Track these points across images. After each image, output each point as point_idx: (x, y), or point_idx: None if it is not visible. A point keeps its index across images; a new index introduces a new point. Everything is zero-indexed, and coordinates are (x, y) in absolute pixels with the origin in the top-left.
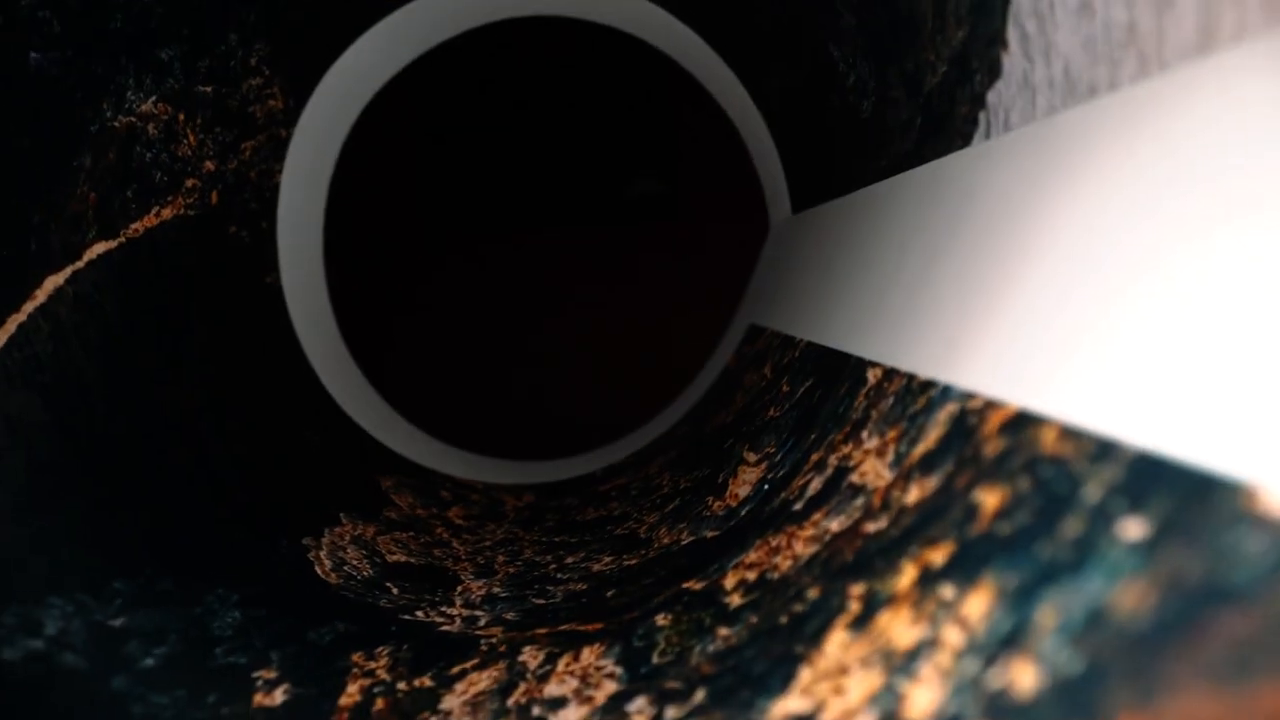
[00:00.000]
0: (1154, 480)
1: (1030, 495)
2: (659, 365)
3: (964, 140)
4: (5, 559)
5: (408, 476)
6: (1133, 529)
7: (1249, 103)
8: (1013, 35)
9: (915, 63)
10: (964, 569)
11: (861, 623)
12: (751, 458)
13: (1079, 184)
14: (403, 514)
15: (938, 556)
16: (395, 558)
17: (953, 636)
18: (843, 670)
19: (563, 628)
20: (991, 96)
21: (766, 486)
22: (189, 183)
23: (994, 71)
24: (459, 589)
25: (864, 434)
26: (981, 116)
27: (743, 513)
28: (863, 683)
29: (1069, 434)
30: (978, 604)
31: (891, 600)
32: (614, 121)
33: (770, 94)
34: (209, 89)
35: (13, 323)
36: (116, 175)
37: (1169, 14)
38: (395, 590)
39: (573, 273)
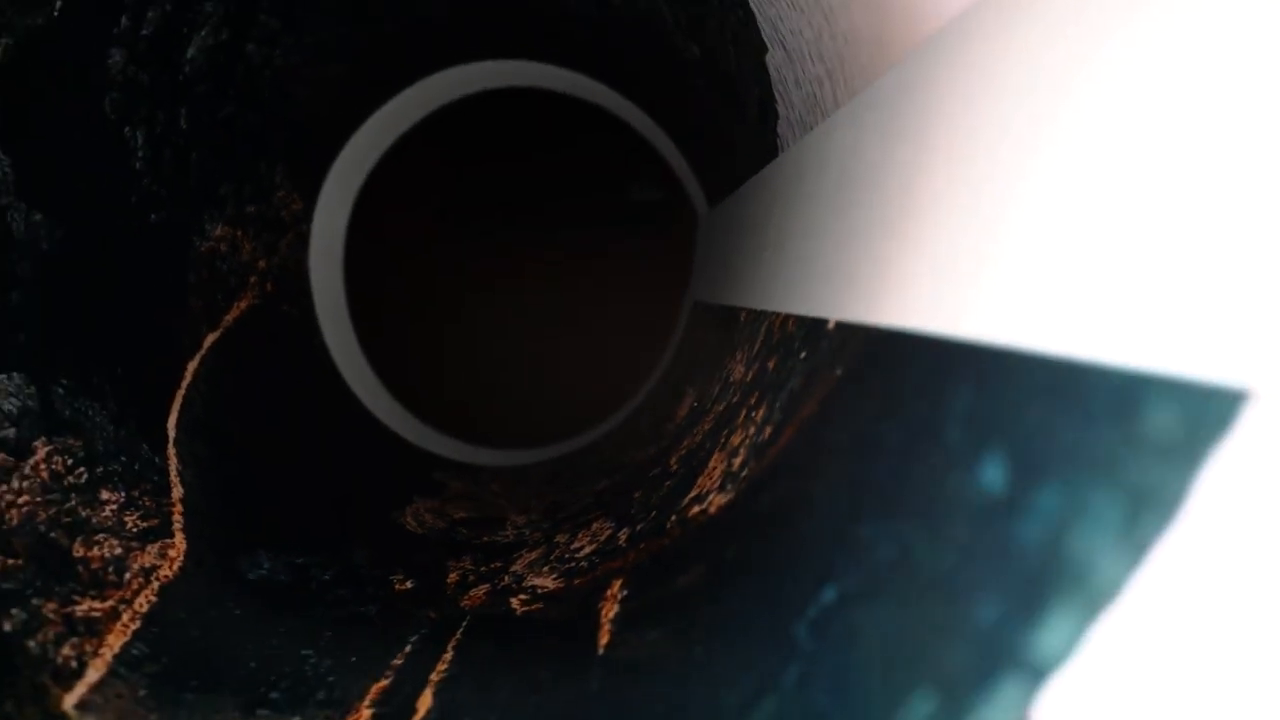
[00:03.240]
0: (812, 331)
1: (783, 355)
2: (640, 343)
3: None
4: (228, 534)
5: (455, 470)
6: (802, 354)
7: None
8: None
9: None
10: (759, 400)
11: (724, 445)
12: (691, 392)
13: (823, 165)
14: (457, 492)
15: (753, 400)
16: (459, 514)
17: (751, 430)
18: (713, 469)
19: (579, 519)
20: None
21: (695, 404)
22: (251, 280)
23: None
24: (508, 521)
25: (737, 353)
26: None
27: (682, 425)
28: (718, 468)
29: (795, 320)
30: (763, 412)
31: (735, 429)
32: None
33: (684, 132)
34: (253, 208)
35: (179, 397)
36: (210, 284)
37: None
38: (465, 531)
39: (563, 288)
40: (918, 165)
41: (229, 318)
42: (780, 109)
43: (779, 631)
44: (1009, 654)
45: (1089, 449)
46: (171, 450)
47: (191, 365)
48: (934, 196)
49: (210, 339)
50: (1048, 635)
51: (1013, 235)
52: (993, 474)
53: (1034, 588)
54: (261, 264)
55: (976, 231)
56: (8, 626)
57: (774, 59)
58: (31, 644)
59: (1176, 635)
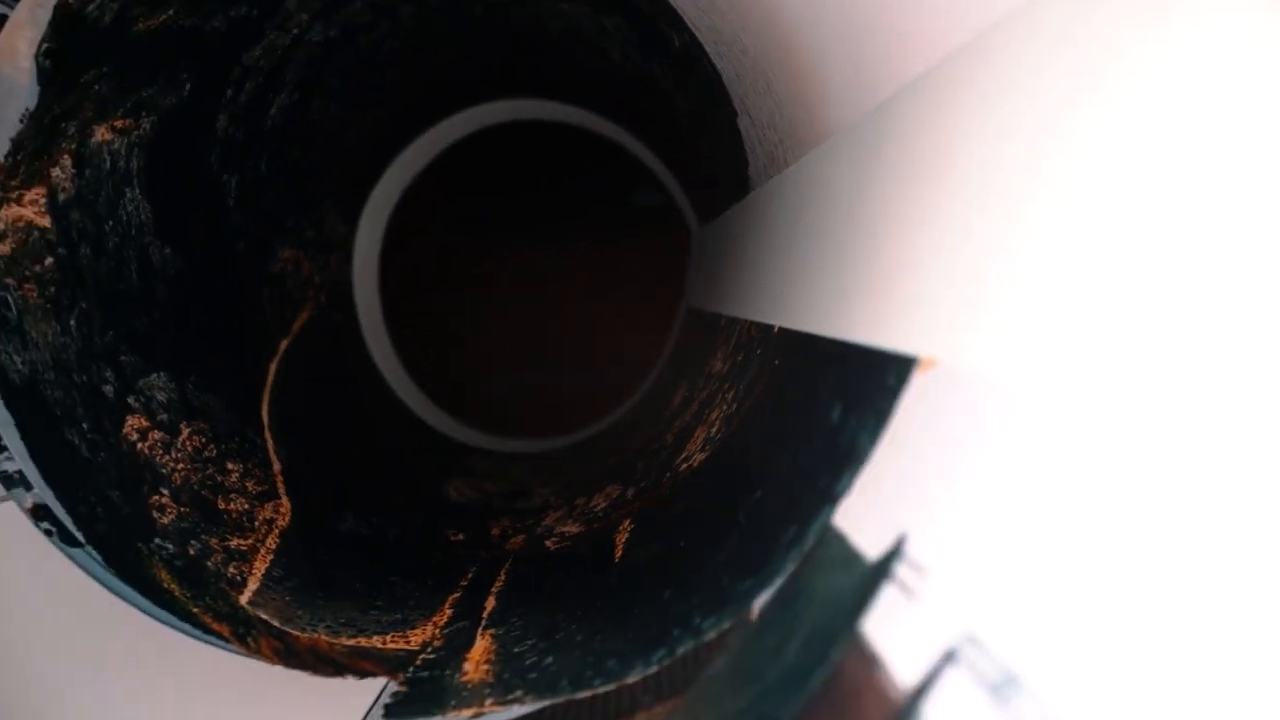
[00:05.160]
0: (765, 333)
1: (748, 352)
2: (643, 344)
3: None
4: (318, 497)
5: (485, 455)
6: (758, 350)
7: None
8: (742, 123)
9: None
10: (730, 385)
11: (705, 420)
12: (683, 385)
13: (787, 205)
14: (488, 472)
15: (726, 385)
16: (491, 489)
17: (724, 407)
18: (697, 437)
19: (594, 486)
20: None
21: (686, 394)
22: (310, 293)
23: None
24: (534, 493)
25: (718, 351)
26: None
27: (676, 410)
28: (701, 436)
29: (757, 326)
30: (733, 393)
31: (714, 408)
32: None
33: (677, 162)
34: (312, 233)
35: (266, 392)
36: (280, 298)
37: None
38: (499, 501)
39: (575, 297)
40: (824, 221)
41: (296, 326)
42: (749, 158)
43: (729, 520)
44: (829, 495)
45: (866, 395)
46: (267, 434)
47: (272, 366)
48: (827, 243)
49: (284, 345)
50: (824, 482)
51: (844, 276)
52: (837, 415)
53: (842, 463)
54: (317, 280)
55: (835, 270)
56: (192, 552)
57: (743, 122)
58: (209, 564)
59: (891, 474)
